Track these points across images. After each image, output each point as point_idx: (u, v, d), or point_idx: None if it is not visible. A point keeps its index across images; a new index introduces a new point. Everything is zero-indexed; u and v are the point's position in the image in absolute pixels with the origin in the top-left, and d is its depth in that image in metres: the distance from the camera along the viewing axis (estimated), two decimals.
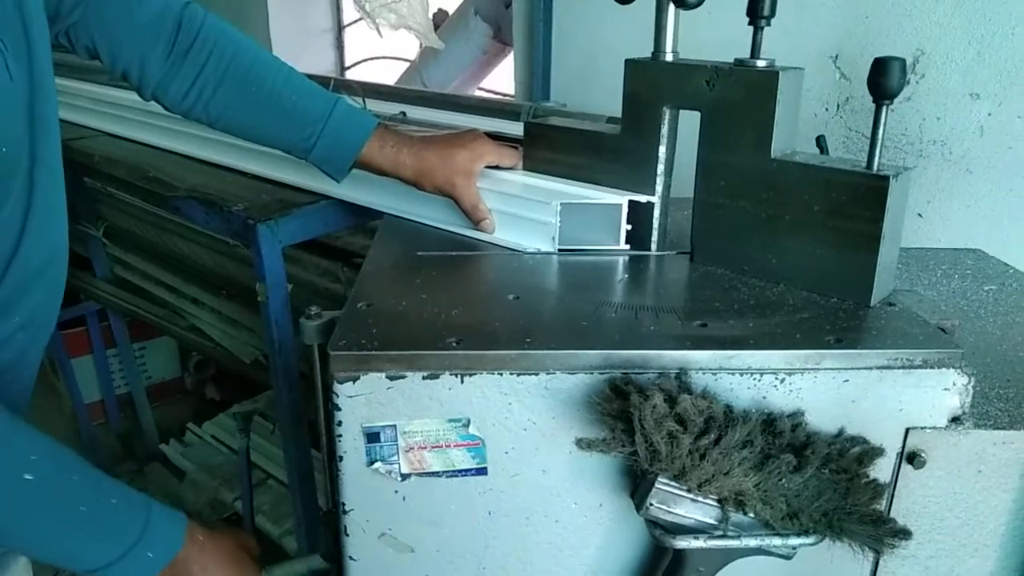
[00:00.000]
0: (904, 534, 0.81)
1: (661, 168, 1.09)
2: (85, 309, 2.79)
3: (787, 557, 0.84)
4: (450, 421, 0.84)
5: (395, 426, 0.84)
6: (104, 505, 0.86)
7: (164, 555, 0.88)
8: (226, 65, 1.11)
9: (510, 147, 1.22)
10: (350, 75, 3.28)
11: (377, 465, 0.85)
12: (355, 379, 0.82)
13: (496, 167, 1.20)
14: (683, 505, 0.81)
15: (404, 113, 2.04)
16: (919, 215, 1.60)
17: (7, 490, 0.80)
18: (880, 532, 0.81)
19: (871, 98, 0.91)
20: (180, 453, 2.80)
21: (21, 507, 0.81)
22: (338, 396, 0.83)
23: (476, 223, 1.16)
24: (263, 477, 2.48)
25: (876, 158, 0.92)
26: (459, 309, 0.93)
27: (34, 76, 0.87)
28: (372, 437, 0.84)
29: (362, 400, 0.83)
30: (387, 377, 0.82)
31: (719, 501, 0.81)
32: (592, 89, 2.08)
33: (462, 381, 0.83)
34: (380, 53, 3.19)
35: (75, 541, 0.84)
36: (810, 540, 0.81)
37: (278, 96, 1.13)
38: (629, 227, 1.11)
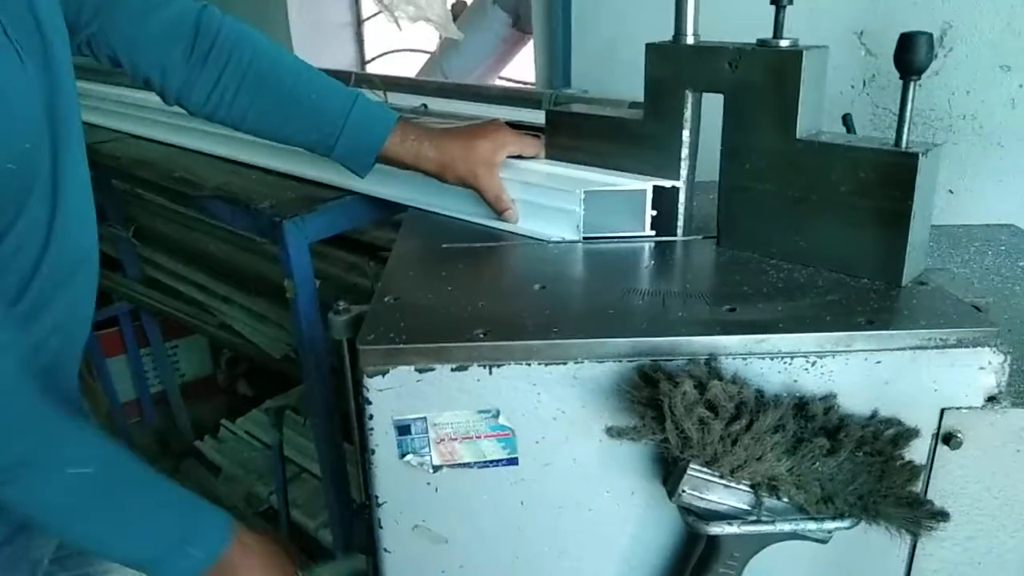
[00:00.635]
0: (942, 516, 0.80)
1: (685, 152, 1.08)
2: (118, 310, 2.83)
3: (823, 541, 0.83)
4: (480, 412, 0.85)
5: (425, 418, 0.85)
6: (152, 502, 0.88)
7: (210, 554, 0.89)
8: (245, 67, 1.12)
9: (532, 136, 1.21)
10: (370, 69, 3.29)
11: (409, 457, 0.86)
12: (384, 373, 0.83)
13: (518, 156, 1.20)
14: (716, 491, 0.81)
15: (425, 105, 2.04)
16: (950, 191, 1.57)
17: (58, 485, 0.81)
18: (917, 514, 0.80)
19: (898, 74, 0.89)
20: (215, 449, 2.84)
21: (70, 502, 0.83)
22: (368, 390, 0.83)
23: (499, 213, 1.16)
24: (297, 471, 2.51)
25: (904, 135, 0.90)
26: (485, 300, 0.93)
27: (52, 78, 0.88)
28: (403, 430, 0.85)
29: (392, 393, 0.84)
30: (416, 370, 0.83)
31: (752, 486, 0.80)
32: (613, 75, 2.06)
33: (490, 372, 0.83)
34: (400, 46, 3.18)
35: (123, 536, 0.87)
36: (845, 524, 0.81)
37: (298, 95, 1.13)
38: (654, 212, 1.10)
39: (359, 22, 3.29)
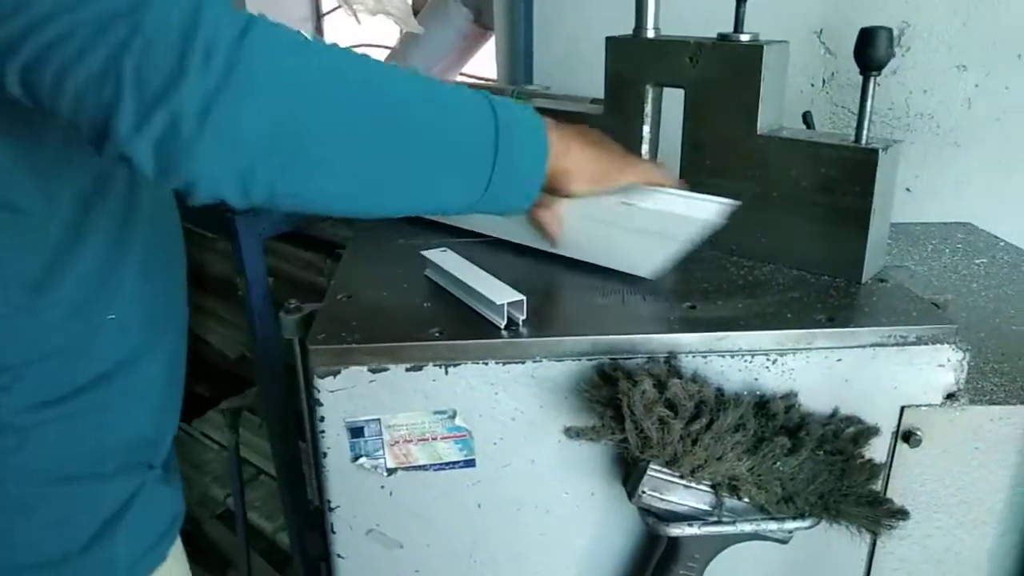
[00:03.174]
0: (902, 514, 0.80)
1: (645, 148, 1.07)
2: None
3: (783, 541, 0.82)
4: (436, 413, 0.82)
5: (379, 420, 0.82)
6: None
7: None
8: None
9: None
10: None
11: (362, 460, 0.83)
12: (336, 373, 0.80)
13: None
14: (676, 492, 0.79)
15: None
16: (907, 190, 1.58)
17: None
18: (877, 513, 0.80)
19: (857, 72, 0.88)
20: None
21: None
22: (319, 391, 0.80)
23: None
24: (254, 473, 2.46)
25: (864, 131, 0.90)
26: (442, 298, 0.90)
27: None
28: (356, 432, 0.82)
29: (344, 394, 0.81)
30: (369, 370, 0.80)
31: (713, 487, 0.79)
32: (576, 71, 2.04)
33: (446, 372, 0.81)
34: (361, 41, 3.14)
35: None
36: (806, 523, 0.80)
37: None
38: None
39: (318, 17, 3.23)
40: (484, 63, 2.74)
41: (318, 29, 3.24)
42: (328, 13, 3.19)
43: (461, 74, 2.78)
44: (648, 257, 0.94)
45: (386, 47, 3.01)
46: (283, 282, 1.86)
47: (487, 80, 2.67)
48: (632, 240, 0.92)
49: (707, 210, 0.88)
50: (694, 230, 0.89)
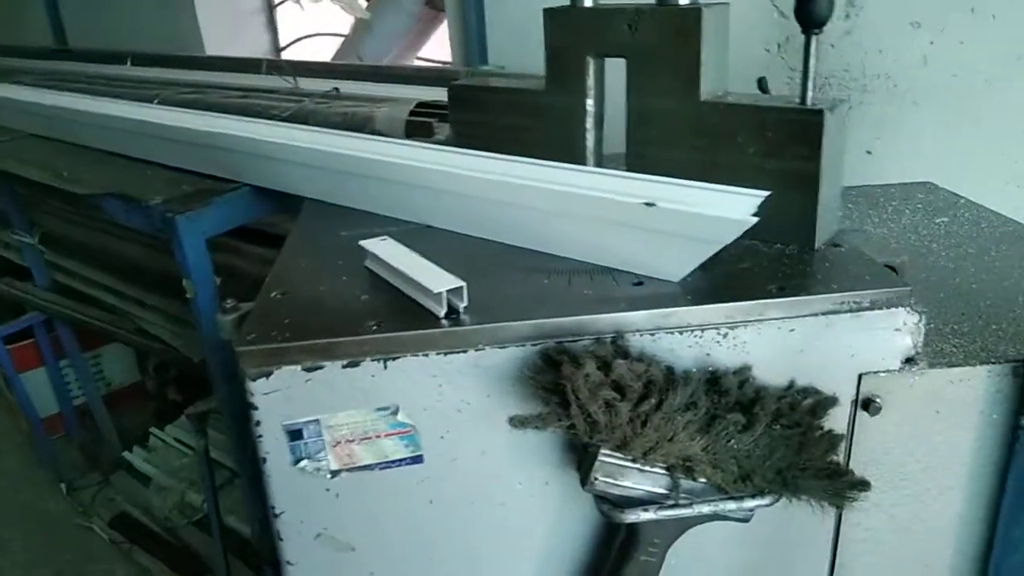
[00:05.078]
0: (862, 486, 0.78)
1: (590, 122, 1.03)
2: (31, 320, 2.69)
3: (744, 520, 0.80)
4: (377, 410, 0.79)
5: (318, 420, 0.78)
6: None
7: None
8: None
9: None
10: (286, 55, 3.17)
11: (304, 463, 0.80)
12: (268, 374, 0.76)
13: None
14: (630, 476, 0.76)
15: (337, 89, 1.96)
16: (868, 152, 1.56)
17: None
18: (837, 486, 0.77)
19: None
20: (143, 459, 2.72)
21: None
22: (252, 394, 0.77)
23: None
24: (229, 476, 2.42)
25: (809, 92, 0.87)
26: (382, 290, 0.87)
27: None
28: (295, 434, 0.79)
29: (279, 396, 0.77)
30: (303, 369, 0.76)
31: (667, 469, 0.76)
32: (529, 49, 2.00)
33: (385, 366, 0.77)
34: (315, 31, 3.08)
35: None
36: (766, 501, 0.77)
37: None
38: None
39: (271, 8, 3.17)
40: (439, 46, 2.70)
41: (270, 20, 3.17)
42: (280, 3, 3.13)
43: (417, 58, 2.73)
44: (675, 261, 0.84)
45: (340, 35, 2.95)
46: (241, 280, 1.81)
47: (443, 63, 2.63)
48: (656, 243, 0.83)
49: (740, 207, 0.80)
50: (727, 231, 0.80)
